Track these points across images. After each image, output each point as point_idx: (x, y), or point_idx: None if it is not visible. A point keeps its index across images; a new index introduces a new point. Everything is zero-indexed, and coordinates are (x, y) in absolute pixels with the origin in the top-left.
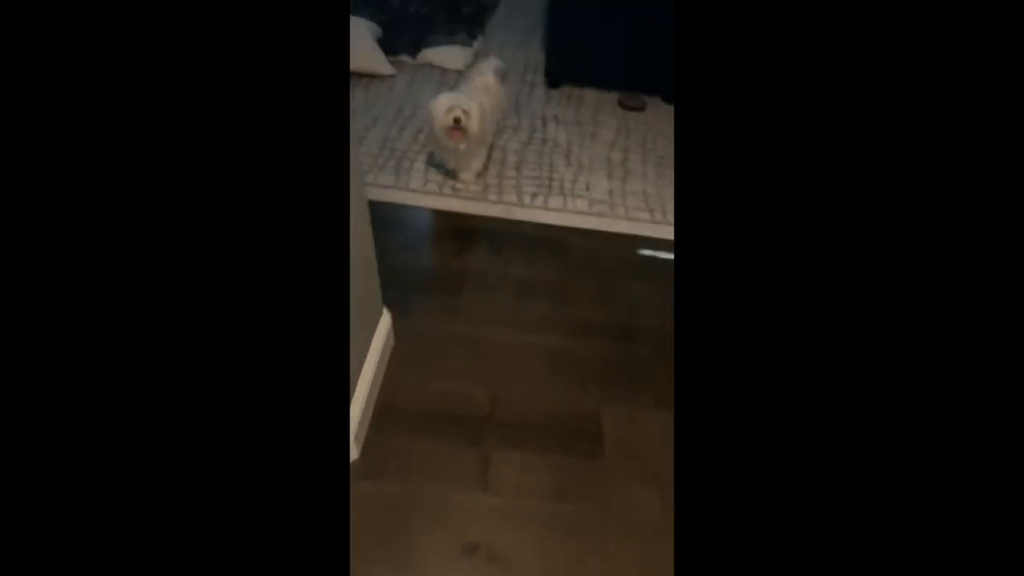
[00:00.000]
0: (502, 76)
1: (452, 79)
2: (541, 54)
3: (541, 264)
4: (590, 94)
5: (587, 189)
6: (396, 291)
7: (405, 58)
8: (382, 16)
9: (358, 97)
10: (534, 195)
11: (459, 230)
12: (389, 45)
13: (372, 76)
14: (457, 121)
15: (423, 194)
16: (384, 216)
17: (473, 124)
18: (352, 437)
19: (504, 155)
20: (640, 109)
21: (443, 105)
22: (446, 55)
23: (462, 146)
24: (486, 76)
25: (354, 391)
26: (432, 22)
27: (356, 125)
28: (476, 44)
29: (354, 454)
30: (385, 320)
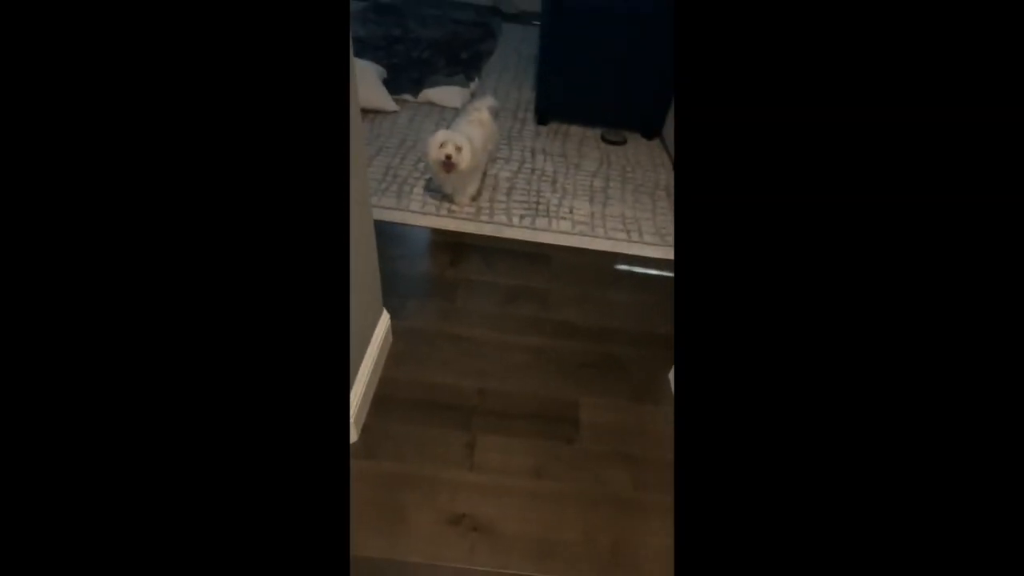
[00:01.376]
0: (495, 113)
1: (450, 116)
2: (531, 94)
3: (527, 275)
4: (575, 130)
5: (570, 212)
6: (395, 296)
7: (408, 96)
8: (388, 60)
9: (367, 131)
10: (523, 216)
11: (454, 245)
12: (393, 85)
13: (377, 112)
14: (448, 157)
15: (422, 215)
16: (387, 232)
17: (463, 159)
18: (352, 421)
19: (496, 182)
20: (621, 143)
21: (437, 141)
22: (445, 94)
23: (453, 176)
24: (481, 112)
25: (354, 381)
26: (433, 65)
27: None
28: (473, 85)
29: (353, 436)
30: (384, 320)
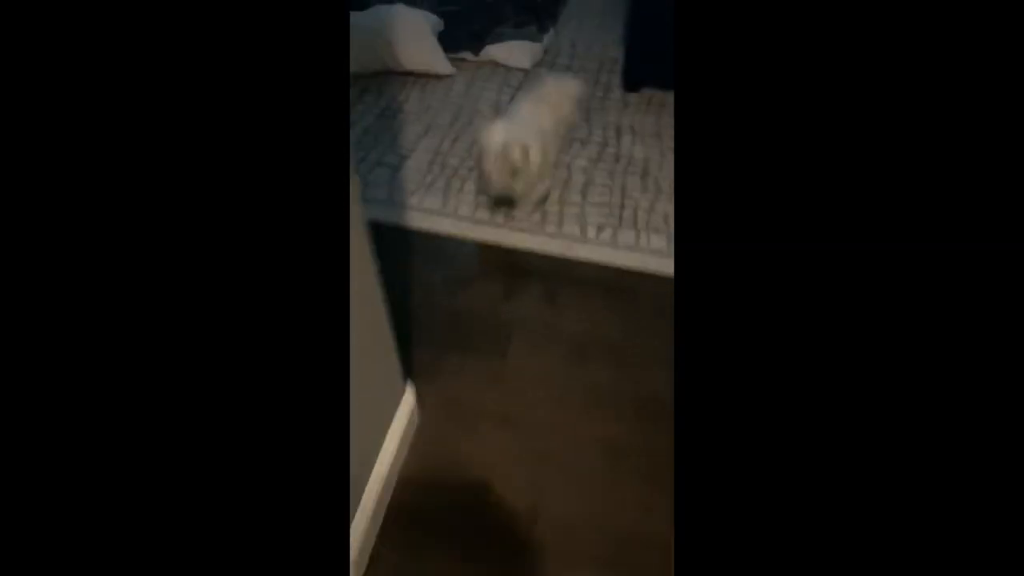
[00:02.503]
0: (579, 99)
1: (517, 79)
2: (619, 51)
3: (603, 318)
4: (674, 100)
5: (665, 222)
6: (429, 346)
7: (466, 55)
8: (445, 6)
9: (412, 101)
10: (600, 228)
11: (509, 268)
12: (450, 39)
13: (429, 76)
14: (512, 168)
15: (472, 223)
16: (426, 247)
17: (532, 163)
18: (354, 556)
19: (568, 175)
20: None
21: (496, 140)
22: (512, 51)
23: (518, 187)
24: (559, 92)
25: (359, 500)
26: (499, 11)
27: (407, 134)
28: (546, 39)
29: None
30: (407, 400)
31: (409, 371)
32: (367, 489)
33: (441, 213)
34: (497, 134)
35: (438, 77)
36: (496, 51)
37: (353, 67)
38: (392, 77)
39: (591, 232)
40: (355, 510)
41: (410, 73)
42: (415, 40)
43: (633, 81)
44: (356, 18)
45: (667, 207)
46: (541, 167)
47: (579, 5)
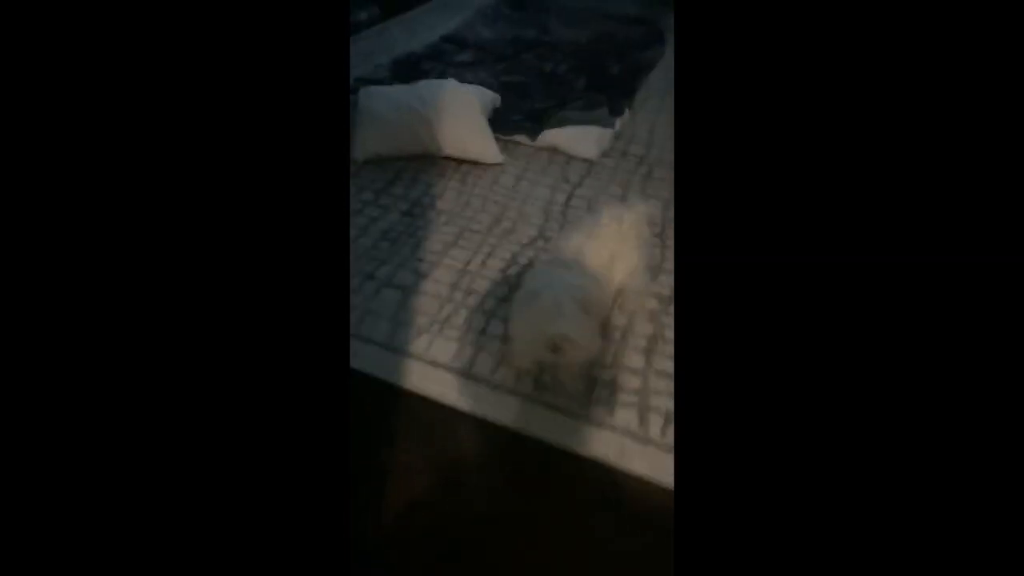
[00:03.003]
0: (654, 223)
1: (578, 173)
2: None
3: None
4: None
5: None
6: None
7: (522, 138)
8: (508, 75)
9: (448, 195)
10: (670, 417)
11: (528, 483)
12: (504, 118)
13: (472, 163)
14: (556, 349)
15: (491, 389)
16: (420, 419)
17: (577, 353)
18: None
19: (629, 325)
20: None
21: (534, 325)
22: (576, 137)
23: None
24: (624, 222)
25: None
26: (569, 85)
27: (433, 242)
28: (619, 123)
29: None
30: None
31: None
32: None
33: (450, 369)
34: (538, 316)
35: (483, 166)
36: (558, 137)
37: (386, 149)
38: (431, 162)
39: (654, 425)
40: None
41: (452, 159)
42: (462, 121)
43: None
44: (398, 93)
45: None
46: (588, 341)
47: (662, 78)
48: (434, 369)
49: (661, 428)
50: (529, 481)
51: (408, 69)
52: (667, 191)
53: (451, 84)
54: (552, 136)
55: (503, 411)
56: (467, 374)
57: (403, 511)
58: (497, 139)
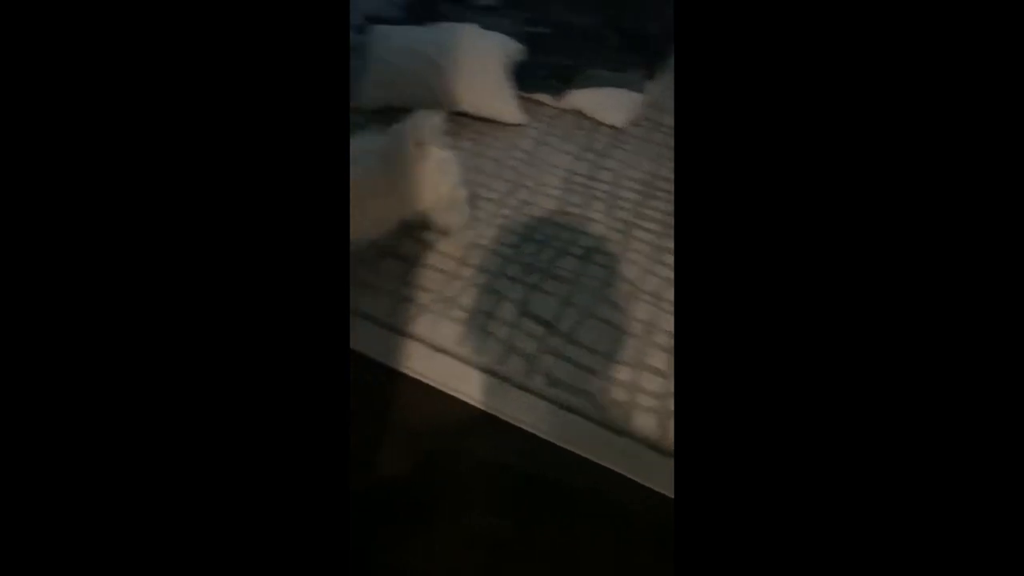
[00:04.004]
0: None
1: (603, 142)
2: None
3: None
4: None
5: None
6: None
7: (544, 97)
8: (533, 27)
9: (461, 157)
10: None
11: (535, 486)
12: (527, 75)
13: (490, 123)
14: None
15: (499, 380)
16: (419, 411)
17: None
18: None
19: (652, 320)
20: None
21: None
22: (604, 101)
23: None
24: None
25: None
26: (600, 40)
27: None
28: (652, 88)
29: None
30: None
31: None
32: None
33: (456, 355)
34: None
35: (502, 126)
36: (583, 99)
37: (395, 99)
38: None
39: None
40: None
41: (467, 115)
42: (480, 74)
43: None
44: (412, 35)
45: None
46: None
47: None
48: (433, 354)
49: None
50: (537, 484)
51: (424, 8)
52: None
53: (471, 30)
54: (577, 97)
55: (514, 405)
56: (470, 360)
57: (399, 498)
58: (517, 96)
